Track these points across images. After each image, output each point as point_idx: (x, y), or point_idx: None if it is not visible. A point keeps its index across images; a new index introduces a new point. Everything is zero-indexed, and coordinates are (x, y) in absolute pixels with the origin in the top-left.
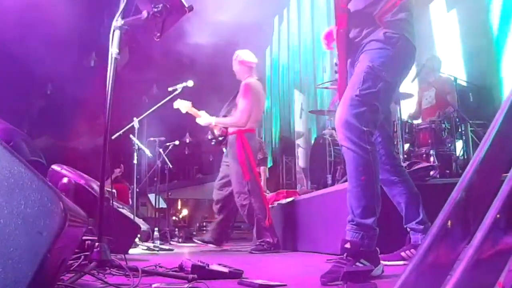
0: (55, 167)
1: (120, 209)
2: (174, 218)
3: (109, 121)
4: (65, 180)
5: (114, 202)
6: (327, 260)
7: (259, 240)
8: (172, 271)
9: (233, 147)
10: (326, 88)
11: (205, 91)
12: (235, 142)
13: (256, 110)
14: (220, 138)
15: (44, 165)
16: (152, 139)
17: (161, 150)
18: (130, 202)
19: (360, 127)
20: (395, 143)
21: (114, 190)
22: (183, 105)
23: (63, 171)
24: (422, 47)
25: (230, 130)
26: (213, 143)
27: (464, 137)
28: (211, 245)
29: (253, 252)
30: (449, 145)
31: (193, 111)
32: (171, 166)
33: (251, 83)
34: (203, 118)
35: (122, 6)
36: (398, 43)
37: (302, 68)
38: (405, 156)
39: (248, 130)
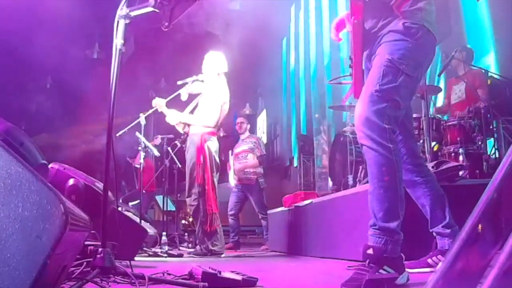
0: (57, 166)
1: (126, 212)
2: (183, 221)
3: (113, 117)
4: (72, 181)
5: (118, 205)
6: (348, 267)
7: (200, 245)
8: (181, 278)
9: (193, 147)
10: (340, 83)
11: None
12: (198, 142)
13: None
14: (182, 137)
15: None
16: (160, 136)
17: (169, 148)
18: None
19: (381, 125)
20: (422, 140)
21: (139, 165)
22: (159, 104)
23: (67, 171)
24: (451, 38)
25: (193, 129)
26: (177, 142)
27: (495, 135)
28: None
29: (192, 255)
30: (480, 143)
31: (164, 110)
32: (180, 166)
33: (222, 86)
34: (172, 116)
35: None
36: (418, 34)
37: (322, 59)
38: (432, 155)
39: (212, 133)
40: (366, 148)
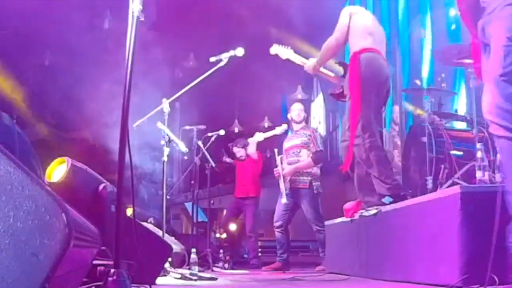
0: (78, 164)
1: (145, 224)
2: (217, 235)
3: (129, 103)
4: (108, 187)
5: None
6: None
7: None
8: None
9: (348, 76)
10: (461, 65)
11: (259, 62)
12: (350, 68)
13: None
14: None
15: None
16: (188, 128)
17: (200, 142)
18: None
19: None
20: None
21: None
22: (282, 52)
23: (89, 171)
24: None
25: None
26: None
27: None
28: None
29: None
30: None
31: (296, 58)
32: (214, 165)
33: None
34: (309, 63)
35: None
36: None
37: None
38: None
39: (366, 50)
40: (501, 139)
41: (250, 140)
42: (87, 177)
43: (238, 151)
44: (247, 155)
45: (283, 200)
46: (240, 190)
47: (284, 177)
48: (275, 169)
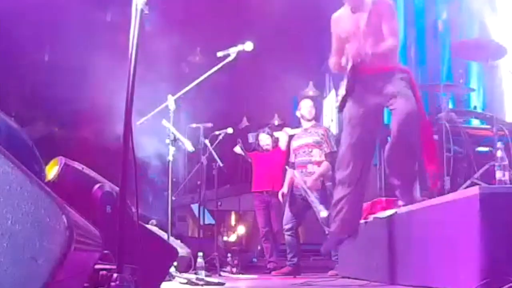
0: (74, 164)
1: (149, 226)
2: (225, 238)
3: (132, 100)
4: (103, 187)
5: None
6: None
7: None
8: None
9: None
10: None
11: (269, 57)
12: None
13: None
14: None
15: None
16: (194, 125)
17: (207, 141)
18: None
19: None
20: None
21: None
22: None
23: (85, 171)
24: None
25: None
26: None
27: None
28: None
29: None
30: None
31: None
32: (221, 165)
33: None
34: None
35: None
36: None
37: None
38: None
39: None
40: None
41: (279, 133)
42: (81, 177)
43: (267, 139)
44: (274, 146)
45: (323, 213)
46: (265, 183)
47: (310, 189)
48: (295, 184)
